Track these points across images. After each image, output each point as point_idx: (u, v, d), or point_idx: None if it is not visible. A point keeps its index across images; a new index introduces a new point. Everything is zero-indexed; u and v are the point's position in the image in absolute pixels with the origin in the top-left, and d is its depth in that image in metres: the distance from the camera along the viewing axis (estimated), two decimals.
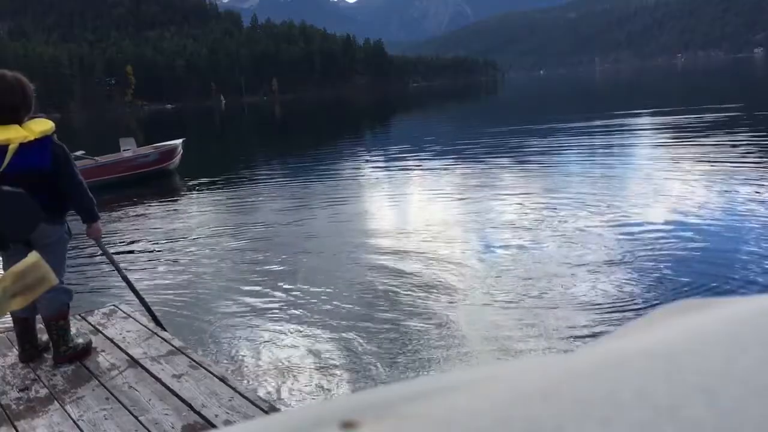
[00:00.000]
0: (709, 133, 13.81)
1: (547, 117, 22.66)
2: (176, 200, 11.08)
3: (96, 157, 12.69)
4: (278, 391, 3.59)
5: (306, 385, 3.63)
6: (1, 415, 2.77)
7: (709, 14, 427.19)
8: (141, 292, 4.03)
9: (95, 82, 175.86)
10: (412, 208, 9.05)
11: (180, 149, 14.31)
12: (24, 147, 2.95)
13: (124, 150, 13.53)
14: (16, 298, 1.27)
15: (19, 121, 3.01)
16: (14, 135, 2.94)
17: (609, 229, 6.46)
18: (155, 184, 12.74)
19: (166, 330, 3.73)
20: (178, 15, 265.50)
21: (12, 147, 2.92)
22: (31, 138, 2.96)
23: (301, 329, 4.42)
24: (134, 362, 3.20)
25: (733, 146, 11.41)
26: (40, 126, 3.03)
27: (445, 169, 12.20)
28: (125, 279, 3.94)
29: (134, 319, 3.84)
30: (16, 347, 3.38)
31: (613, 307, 4.42)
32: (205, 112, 76.67)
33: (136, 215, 9.65)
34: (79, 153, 13.49)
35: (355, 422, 0.22)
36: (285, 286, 5.38)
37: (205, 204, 10.60)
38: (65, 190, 3.13)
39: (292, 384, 3.65)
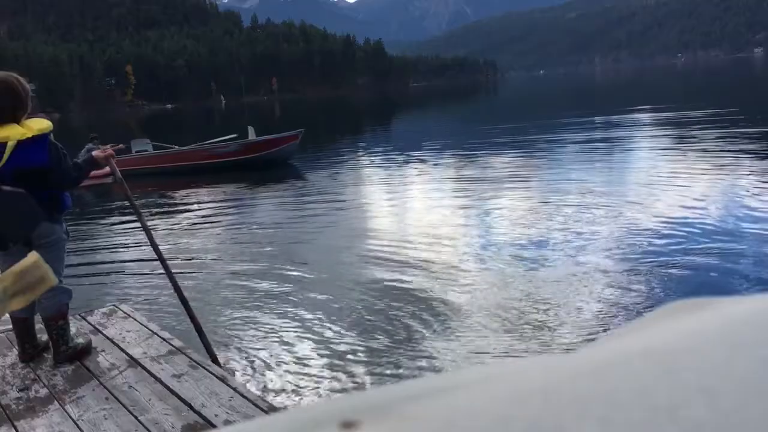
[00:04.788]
0: (709, 132, 13.80)
1: (547, 116, 22.64)
2: (176, 197, 11.07)
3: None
4: (278, 391, 3.59)
5: (306, 385, 3.62)
6: (1, 415, 2.77)
7: (709, 14, 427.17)
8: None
9: (95, 82, 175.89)
10: (414, 209, 9.05)
11: (286, 142, 14.29)
12: (22, 144, 2.95)
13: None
14: (16, 298, 1.27)
15: (17, 121, 3.01)
16: (13, 132, 2.95)
17: (609, 230, 6.46)
18: (159, 181, 12.81)
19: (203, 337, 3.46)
20: (178, 15, 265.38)
21: (10, 144, 2.93)
22: (30, 135, 2.97)
23: (302, 329, 4.42)
24: (134, 362, 3.20)
25: (733, 146, 11.41)
26: (38, 124, 3.04)
27: (446, 169, 12.20)
28: (154, 246, 3.71)
29: (134, 318, 3.85)
30: (16, 347, 3.38)
31: (613, 307, 4.42)
32: (205, 112, 76.63)
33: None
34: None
35: (355, 422, 0.22)
36: (285, 286, 5.38)
37: (205, 202, 10.59)
38: (58, 182, 3.12)
39: (292, 384, 3.65)
